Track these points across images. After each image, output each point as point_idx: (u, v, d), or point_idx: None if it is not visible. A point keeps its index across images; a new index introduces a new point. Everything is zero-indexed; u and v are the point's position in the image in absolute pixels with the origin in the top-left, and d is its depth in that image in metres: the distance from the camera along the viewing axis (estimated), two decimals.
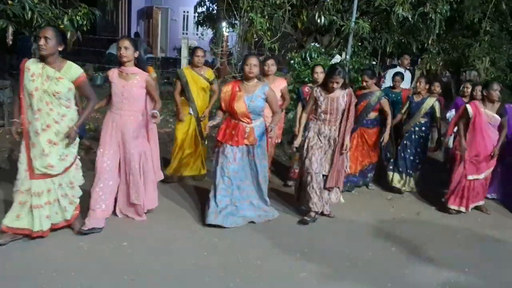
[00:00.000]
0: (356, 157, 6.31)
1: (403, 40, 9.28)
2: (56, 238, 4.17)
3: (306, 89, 6.13)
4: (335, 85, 4.90)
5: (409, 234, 5.06)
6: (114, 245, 4.18)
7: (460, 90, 7.43)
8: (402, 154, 6.49)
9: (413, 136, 6.47)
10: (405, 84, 7.65)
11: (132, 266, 3.84)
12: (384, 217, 5.57)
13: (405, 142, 6.48)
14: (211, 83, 6.05)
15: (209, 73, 6.09)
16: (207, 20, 13.25)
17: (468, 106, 5.70)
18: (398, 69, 8.11)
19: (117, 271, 3.75)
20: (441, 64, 10.30)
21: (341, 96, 4.99)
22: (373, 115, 6.27)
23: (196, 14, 13.77)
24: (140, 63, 4.61)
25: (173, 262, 3.98)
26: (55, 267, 3.72)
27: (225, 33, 13.24)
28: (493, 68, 10.29)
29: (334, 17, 8.12)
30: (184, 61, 9.25)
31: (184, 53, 9.32)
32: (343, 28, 8.16)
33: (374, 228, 5.19)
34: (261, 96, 4.71)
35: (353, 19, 8.10)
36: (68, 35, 6.09)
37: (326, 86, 4.99)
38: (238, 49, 9.67)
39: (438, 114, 6.42)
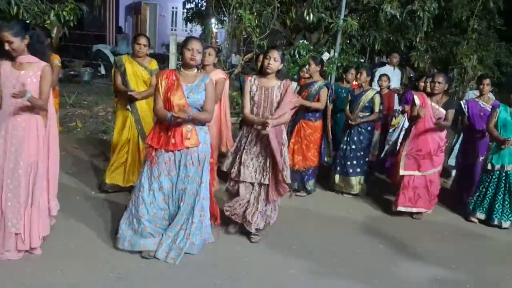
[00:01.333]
0: (294, 153, 5.83)
1: (391, 38, 9.33)
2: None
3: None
4: (271, 62, 4.19)
5: (396, 230, 5.09)
6: (100, 243, 4.14)
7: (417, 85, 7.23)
8: (344, 153, 6.11)
9: (354, 132, 6.13)
10: (395, 83, 7.69)
11: (119, 264, 3.81)
12: (372, 214, 5.60)
13: (346, 139, 6.13)
14: (152, 74, 5.16)
15: (153, 63, 5.28)
16: (196, 16, 13.21)
17: (415, 97, 5.51)
18: (387, 67, 8.13)
19: (103, 269, 3.72)
20: (429, 61, 10.36)
21: (276, 87, 4.30)
22: (307, 102, 5.80)
23: (185, 10, 13.72)
24: (36, 51, 3.72)
25: (160, 259, 3.95)
26: (41, 265, 3.68)
27: (214, 30, 13.22)
28: (480, 66, 10.36)
29: (323, 15, 8.14)
30: (172, 58, 9.19)
31: (173, 49, 9.25)
32: (331, 26, 8.18)
33: (362, 225, 5.22)
34: (202, 86, 3.92)
35: (342, 17, 8.12)
36: (55, 30, 6.04)
37: (262, 69, 4.32)
38: (227, 45, 9.65)
39: (376, 108, 6.07)
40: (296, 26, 9.07)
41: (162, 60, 12.50)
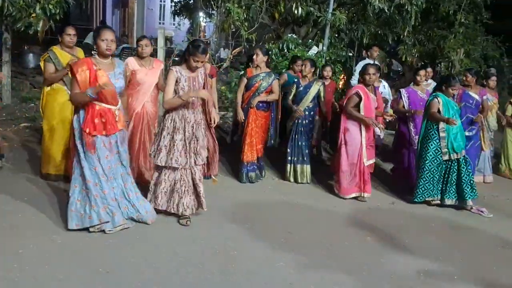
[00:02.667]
0: (253, 144, 6.05)
1: (379, 32, 9.35)
2: (28, 232, 4.11)
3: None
4: (199, 65, 4.42)
5: (384, 223, 5.14)
6: (88, 238, 4.12)
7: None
8: (293, 143, 6.29)
9: (303, 122, 6.29)
10: None
11: (107, 259, 3.80)
12: (359, 207, 5.64)
13: (296, 129, 6.29)
14: None
15: (80, 53, 5.43)
16: (184, 10, 13.13)
17: (358, 89, 5.71)
18: (367, 61, 8.13)
19: (92, 264, 3.70)
20: (416, 55, 10.42)
21: (199, 74, 4.56)
22: (265, 97, 6.00)
23: (173, 4, 13.64)
24: None
25: (148, 254, 3.95)
26: (28, 260, 3.66)
27: (202, 23, 13.18)
28: (467, 59, 10.44)
29: (311, 8, 8.14)
30: (160, 52, 9.14)
31: (161, 43, 9.21)
32: (320, 19, 8.19)
33: (350, 218, 5.25)
34: (121, 73, 4.24)
35: (330, 11, 8.13)
36: (40, 24, 5.97)
37: (188, 65, 4.46)
38: (216, 39, 9.61)
39: (322, 98, 6.36)
40: (284, 20, 9.05)
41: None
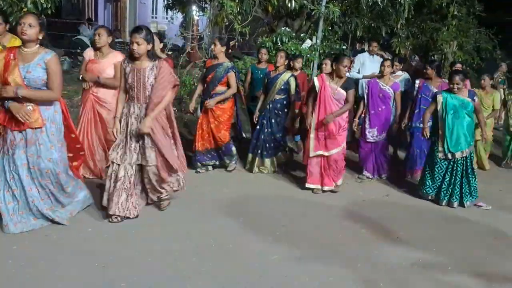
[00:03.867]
0: (204, 135, 6.00)
1: (372, 25, 9.35)
2: None
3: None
4: (134, 46, 4.19)
5: (379, 215, 5.16)
6: (83, 233, 4.13)
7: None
8: (258, 134, 6.24)
9: (269, 114, 6.21)
10: (374, 70, 7.71)
11: (103, 254, 3.80)
12: (354, 199, 5.66)
13: (262, 121, 6.22)
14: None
15: (15, 41, 4.99)
16: (177, 3, 13.02)
17: (315, 78, 5.60)
18: (366, 54, 8.14)
19: (87, 259, 3.70)
20: (410, 48, 10.43)
21: (148, 68, 4.29)
22: (220, 88, 5.88)
23: None
24: None
25: (143, 249, 3.95)
26: (24, 256, 3.65)
27: (195, 17, 13.09)
28: (460, 52, 10.48)
29: (305, 1, 8.10)
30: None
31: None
32: (313, 12, 8.17)
33: (345, 210, 5.27)
34: (41, 65, 3.87)
35: (324, 3, 8.10)
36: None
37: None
38: (209, 33, 9.58)
39: (293, 90, 6.16)
40: (278, 13, 9.01)
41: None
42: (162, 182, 4.57)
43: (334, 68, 5.53)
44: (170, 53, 8.57)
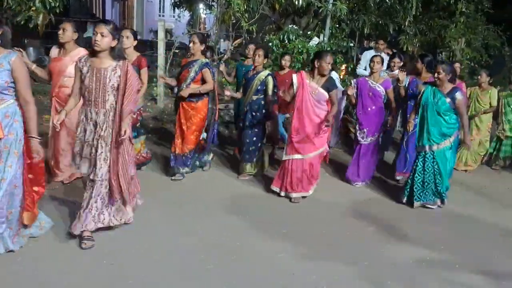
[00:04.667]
0: (182, 136, 5.68)
1: (380, 22, 9.31)
2: None
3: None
4: (98, 38, 3.69)
5: (385, 213, 5.16)
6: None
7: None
8: (240, 137, 6.03)
9: (248, 115, 5.91)
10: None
11: (110, 251, 3.83)
12: (359, 198, 5.65)
13: (243, 124, 5.96)
14: None
15: None
16: (184, 1, 13.04)
17: (294, 75, 5.23)
18: (373, 52, 8.11)
19: (95, 256, 3.73)
20: (417, 45, 10.38)
21: (110, 69, 3.76)
22: (194, 86, 5.57)
23: None
24: None
25: (151, 246, 3.98)
26: (30, 253, 3.69)
27: (203, 15, 13.12)
28: (468, 49, 10.42)
29: None
30: (161, 44, 9.13)
31: (161, 35, 9.20)
32: (320, 10, 8.16)
33: (351, 209, 5.27)
34: (4, 65, 3.39)
35: (331, 1, 8.09)
36: (40, 17, 5.95)
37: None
38: (216, 31, 9.58)
39: (270, 91, 5.82)
40: (285, 11, 9.01)
41: (151, 46, 12.41)
42: (110, 202, 4.01)
43: (316, 65, 5.08)
44: (177, 51, 8.61)
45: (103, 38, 3.69)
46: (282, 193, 5.34)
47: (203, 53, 5.69)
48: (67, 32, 4.84)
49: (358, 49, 9.97)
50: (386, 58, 7.73)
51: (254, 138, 5.94)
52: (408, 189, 5.43)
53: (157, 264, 3.70)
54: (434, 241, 4.54)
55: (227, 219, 4.68)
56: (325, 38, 8.25)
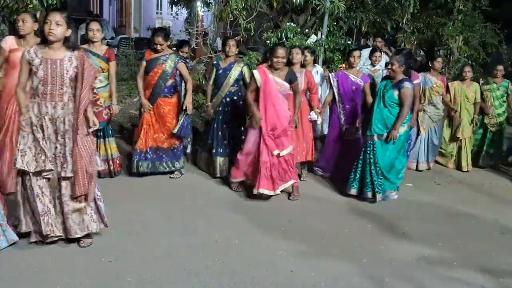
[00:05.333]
0: (149, 132, 5.55)
1: (378, 20, 9.30)
2: None
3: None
4: (53, 27, 3.48)
5: (384, 211, 5.16)
6: None
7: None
8: (213, 133, 5.85)
9: (225, 109, 5.79)
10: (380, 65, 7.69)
11: (109, 248, 3.82)
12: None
13: (217, 118, 5.82)
14: None
15: None
16: None
17: (255, 71, 5.08)
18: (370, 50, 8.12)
19: (94, 253, 3.73)
20: (415, 43, 10.38)
21: (66, 59, 3.59)
22: (170, 81, 5.52)
23: None
24: None
25: (150, 243, 3.98)
26: (30, 251, 3.69)
27: (200, 13, 13.05)
28: (466, 47, 10.41)
29: None
30: None
31: None
32: (318, 8, 8.14)
33: (350, 206, 5.27)
34: None
35: None
36: (38, 15, 5.93)
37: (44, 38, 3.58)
38: (214, 29, 9.57)
39: (247, 80, 5.64)
40: (283, 8, 9.00)
41: (148, 44, 12.39)
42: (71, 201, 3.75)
43: (271, 60, 5.00)
44: (174, 49, 8.58)
45: (58, 26, 3.50)
46: (266, 191, 5.07)
47: (170, 47, 5.66)
48: (27, 24, 4.68)
49: (355, 47, 9.96)
50: (386, 58, 7.74)
51: (229, 133, 5.84)
52: (352, 180, 5.38)
53: (156, 261, 3.70)
54: (433, 238, 4.54)
55: (225, 216, 4.68)
56: (323, 36, 8.24)
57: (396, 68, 5.11)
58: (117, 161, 5.55)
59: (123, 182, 5.47)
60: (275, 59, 4.95)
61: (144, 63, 5.51)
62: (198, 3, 10.64)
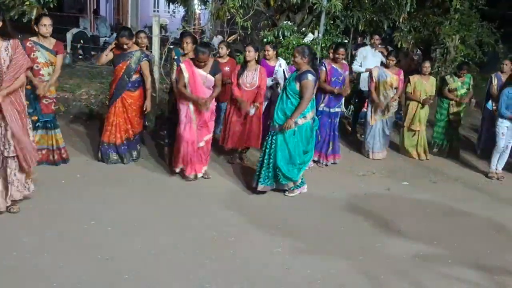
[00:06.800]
0: (120, 125, 5.75)
1: (374, 18, 9.32)
2: (23, 219, 4.14)
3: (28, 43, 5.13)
4: None
5: (380, 208, 5.18)
6: (87, 226, 4.15)
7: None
8: (171, 125, 5.96)
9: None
10: (376, 63, 7.70)
11: (106, 246, 3.83)
12: (355, 192, 5.67)
13: (173, 109, 5.81)
14: None
15: None
16: None
17: (182, 64, 5.28)
18: (368, 48, 8.14)
19: (91, 251, 3.73)
20: (412, 42, 10.40)
21: (3, 48, 3.81)
22: (134, 76, 5.71)
23: None
24: None
25: (147, 241, 3.98)
26: (28, 247, 3.69)
27: (197, 11, 13.05)
28: (462, 46, 10.43)
29: None
30: (155, 40, 9.09)
31: (155, 31, 9.13)
32: (315, 6, 8.15)
33: (347, 203, 5.29)
34: None
35: None
36: (34, 12, 5.92)
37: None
38: (211, 27, 9.57)
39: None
40: (280, 7, 8.99)
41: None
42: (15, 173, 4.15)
43: (194, 53, 5.24)
44: (171, 47, 8.57)
45: None
46: (192, 175, 5.47)
47: (137, 44, 5.85)
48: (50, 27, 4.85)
49: (352, 46, 9.97)
50: (379, 54, 7.76)
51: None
52: (258, 172, 5.33)
53: (152, 259, 3.71)
54: (428, 236, 4.57)
55: (221, 214, 4.69)
56: (319, 35, 8.24)
57: (297, 60, 5.02)
58: (64, 151, 5.67)
59: (117, 178, 5.46)
60: (198, 56, 5.12)
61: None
62: (195, 1, 10.64)
